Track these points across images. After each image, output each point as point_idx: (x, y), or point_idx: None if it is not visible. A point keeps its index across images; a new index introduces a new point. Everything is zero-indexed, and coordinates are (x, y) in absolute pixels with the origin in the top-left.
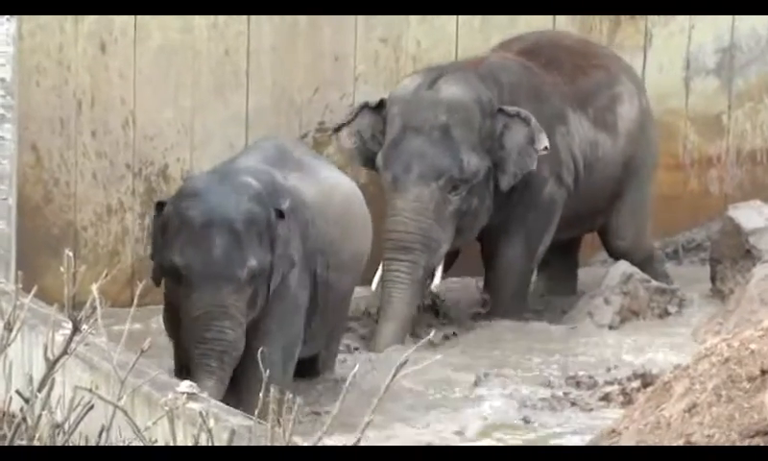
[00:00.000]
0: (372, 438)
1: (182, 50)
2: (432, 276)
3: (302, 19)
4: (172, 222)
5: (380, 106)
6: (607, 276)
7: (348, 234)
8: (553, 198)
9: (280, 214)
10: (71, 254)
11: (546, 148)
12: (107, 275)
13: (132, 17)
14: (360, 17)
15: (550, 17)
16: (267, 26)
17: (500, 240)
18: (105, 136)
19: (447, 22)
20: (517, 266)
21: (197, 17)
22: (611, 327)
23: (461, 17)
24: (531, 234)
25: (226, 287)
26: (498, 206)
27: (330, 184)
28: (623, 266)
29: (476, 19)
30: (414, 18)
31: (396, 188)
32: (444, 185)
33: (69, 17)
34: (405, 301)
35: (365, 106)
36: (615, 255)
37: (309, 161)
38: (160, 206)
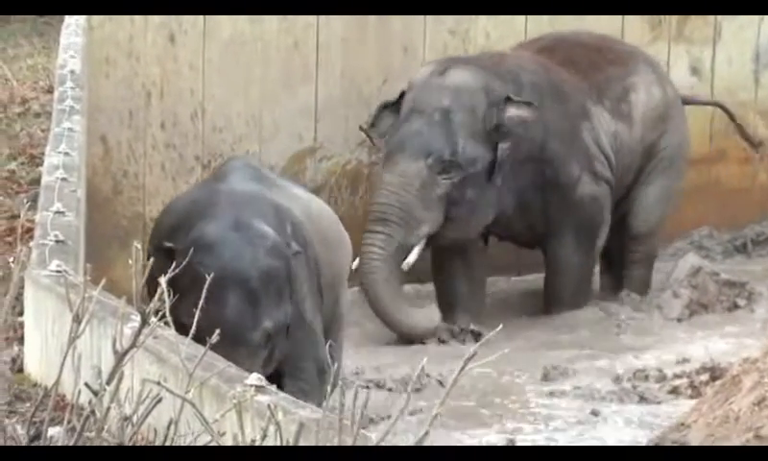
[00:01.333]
0: (441, 432)
1: (252, 41)
2: (407, 254)
3: None
4: (184, 276)
5: (399, 99)
6: (675, 269)
7: (329, 254)
8: (593, 195)
9: (296, 253)
10: (140, 246)
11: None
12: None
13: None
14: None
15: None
16: (336, 18)
17: (550, 244)
18: (174, 128)
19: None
20: (573, 264)
21: None
22: (679, 321)
23: None
24: (579, 232)
25: (236, 351)
26: (535, 214)
27: (305, 202)
28: (692, 259)
29: None
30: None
31: (387, 163)
32: (432, 165)
33: None
34: (382, 279)
35: (384, 107)
36: (631, 239)
37: (279, 180)
38: (169, 252)
